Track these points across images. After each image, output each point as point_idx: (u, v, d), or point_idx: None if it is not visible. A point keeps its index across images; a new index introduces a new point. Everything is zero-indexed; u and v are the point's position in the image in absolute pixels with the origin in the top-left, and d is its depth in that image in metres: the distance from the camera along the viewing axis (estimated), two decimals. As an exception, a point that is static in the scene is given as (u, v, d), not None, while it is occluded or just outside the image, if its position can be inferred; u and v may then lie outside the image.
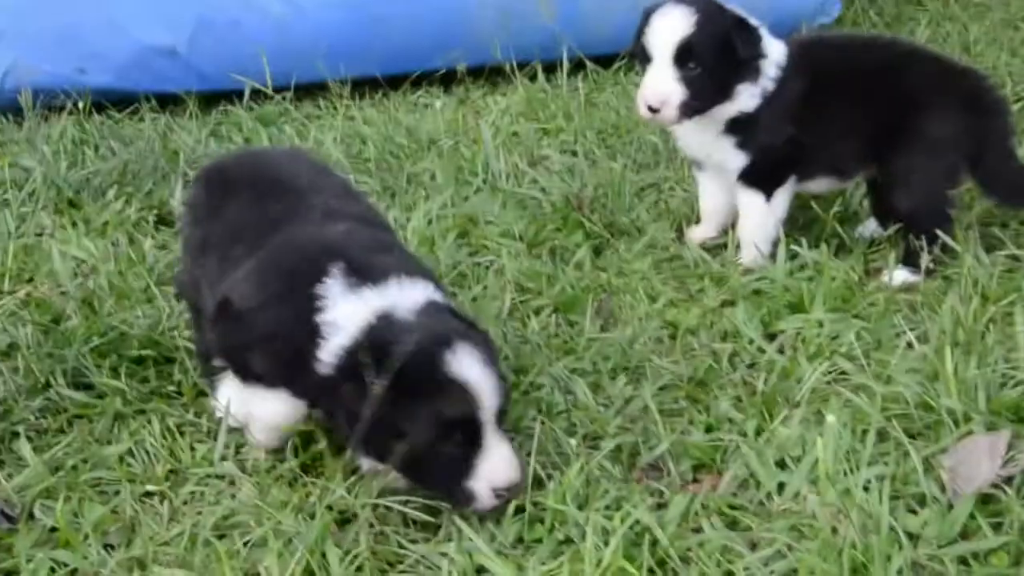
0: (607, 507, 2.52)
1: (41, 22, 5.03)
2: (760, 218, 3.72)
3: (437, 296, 2.63)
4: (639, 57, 3.67)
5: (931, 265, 3.47)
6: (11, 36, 5.00)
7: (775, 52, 3.65)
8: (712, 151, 3.75)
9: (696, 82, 3.54)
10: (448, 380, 2.44)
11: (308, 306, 2.53)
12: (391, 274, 2.59)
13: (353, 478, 2.64)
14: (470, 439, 2.47)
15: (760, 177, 3.70)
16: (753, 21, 3.64)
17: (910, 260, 3.56)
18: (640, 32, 3.62)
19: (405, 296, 2.56)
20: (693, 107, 3.56)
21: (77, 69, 5.00)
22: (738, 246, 3.79)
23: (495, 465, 2.48)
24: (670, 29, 3.54)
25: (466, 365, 2.45)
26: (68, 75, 4.99)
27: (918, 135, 3.61)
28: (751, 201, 3.72)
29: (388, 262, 2.63)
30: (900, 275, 3.56)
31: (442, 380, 2.44)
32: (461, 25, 5.53)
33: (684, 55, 3.53)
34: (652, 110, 3.57)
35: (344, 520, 2.55)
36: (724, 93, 3.60)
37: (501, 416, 2.51)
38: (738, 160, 3.70)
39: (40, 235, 4.01)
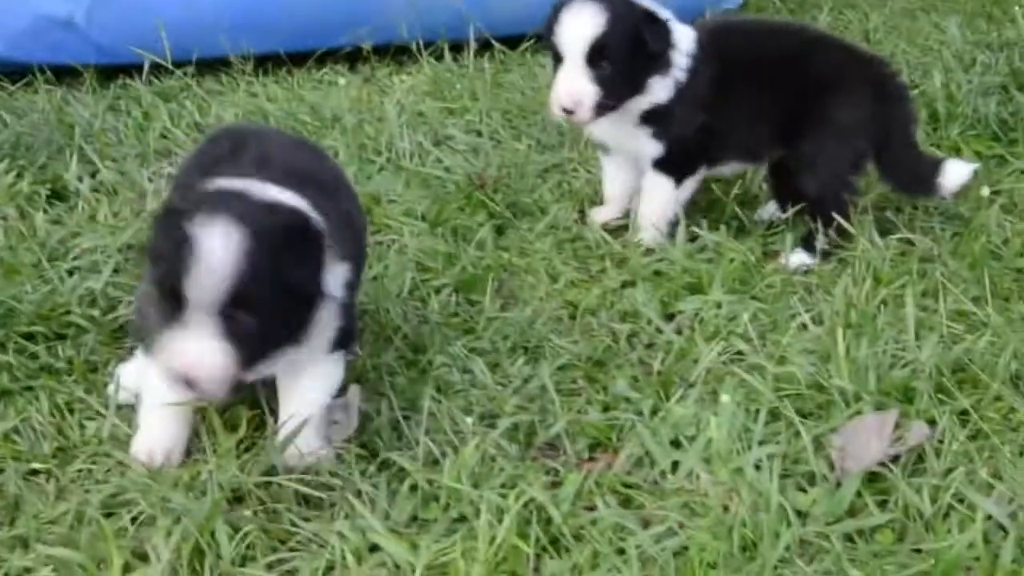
0: (502, 485, 2.52)
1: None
2: (665, 201, 3.74)
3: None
4: (551, 55, 3.62)
5: (827, 248, 3.52)
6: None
7: (684, 41, 3.64)
8: (625, 141, 3.76)
9: (609, 80, 3.51)
10: (181, 238, 2.30)
11: None
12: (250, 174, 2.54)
13: (245, 456, 2.61)
14: (172, 306, 2.32)
15: (673, 164, 3.72)
16: (662, 13, 3.62)
17: (808, 243, 3.61)
18: (549, 30, 3.57)
19: (250, 183, 2.48)
20: (607, 106, 3.54)
21: (-32, 37, 4.86)
22: (632, 227, 3.81)
23: (174, 346, 2.35)
24: (581, 27, 3.49)
25: (204, 233, 2.30)
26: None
27: (826, 121, 3.67)
28: (659, 184, 3.74)
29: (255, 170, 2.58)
30: (797, 258, 3.61)
31: (176, 236, 2.31)
32: (368, 3, 5.47)
33: (596, 54, 3.49)
34: (566, 111, 3.54)
35: (236, 499, 2.52)
36: (637, 88, 3.59)
37: (226, 307, 2.30)
38: (654, 149, 3.71)
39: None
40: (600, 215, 3.95)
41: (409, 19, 5.43)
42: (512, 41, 5.68)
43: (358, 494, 2.53)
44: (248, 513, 2.46)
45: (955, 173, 3.71)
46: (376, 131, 4.61)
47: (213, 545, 2.35)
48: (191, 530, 2.34)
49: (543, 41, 3.63)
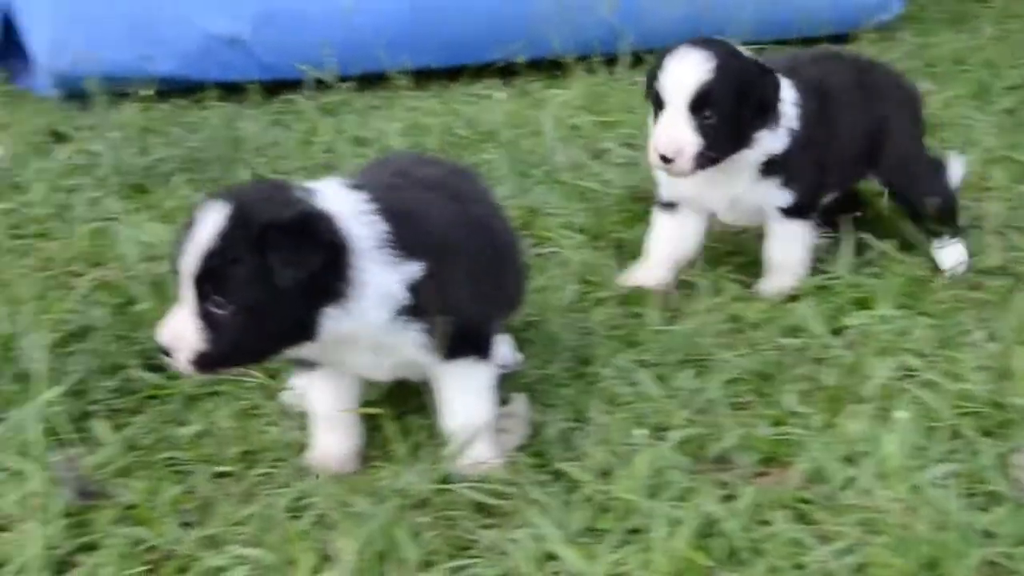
0: (675, 498, 2.53)
1: (111, 9, 5.12)
2: (805, 246, 3.63)
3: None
4: (652, 102, 3.47)
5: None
6: (82, 23, 5.09)
7: (787, 90, 3.53)
8: (745, 195, 3.58)
9: (713, 131, 3.34)
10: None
11: None
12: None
13: (422, 464, 2.67)
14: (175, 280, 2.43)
15: (803, 208, 3.61)
16: (767, 64, 3.51)
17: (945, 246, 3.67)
18: (653, 76, 3.44)
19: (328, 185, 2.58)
20: (709, 158, 3.37)
21: (143, 57, 5.06)
22: (769, 274, 3.66)
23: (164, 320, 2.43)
24: (686, 74, 3.35)
25: (201, 213, 2.40)
26: (134, 63, 5.06)
27: (905, 135, 3.78)
28: (795, 230, 3.62)
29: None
30: (950, 257, 3.62)
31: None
32: (521, 17, 5.55)
33: (701, 103, 3.33)
34: (665, 160, 3.37)
35: (413, 505, 2.57)
36: (742, 141, 3.43)
37: (201, 285, 2.36)
38: (784, 199, 3.58)
39: (109, 220, 4.06)
40: (638, 277, 3.65)
41: (562, 33, 5.50)
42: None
43: (533, 503, 2.56)
44: (427, 519, 2.51)
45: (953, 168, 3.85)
46: (532, 144, 4.67)
47: (395, 549, 2.41)
48: (374, 534, 2.40)
49: (648, 88, 3.48)
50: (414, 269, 2.54)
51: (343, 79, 5.26)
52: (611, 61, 5.52)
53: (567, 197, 4.22)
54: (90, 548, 2.46)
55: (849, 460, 2.67)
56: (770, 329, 3.32)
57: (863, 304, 3.40)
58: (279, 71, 5.23)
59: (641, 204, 4.01)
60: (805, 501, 2.56)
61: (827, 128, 3.59)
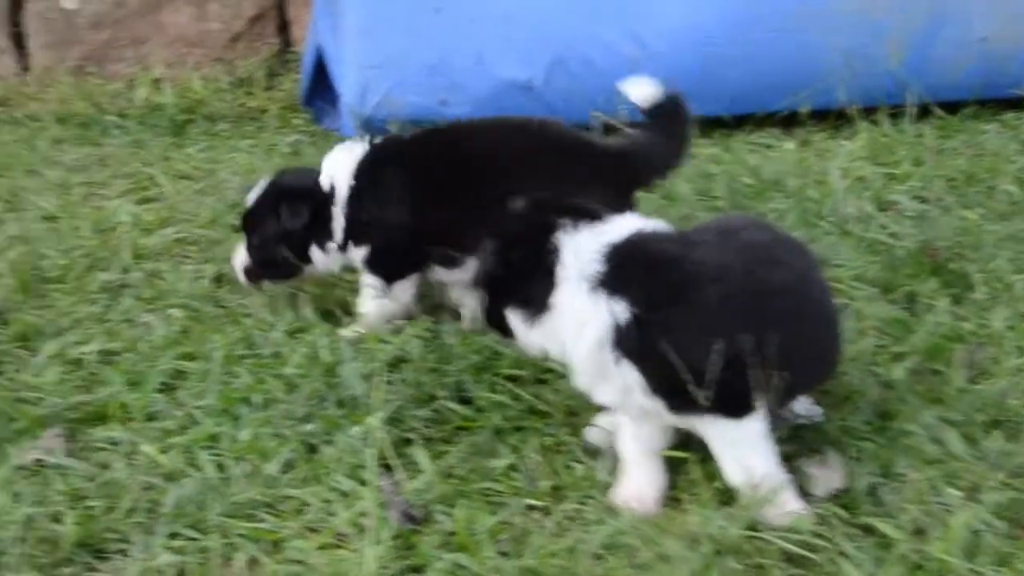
0: (994, 562, 2.50)
1: (415, 56, 5.39)
2: None
3: None
4: None
5: None
6: (389, 68, 5.38)
7: None
8: None
9: None
10: None
11: None
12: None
13: (729, 507, 2.70)
14: None
15: None
16: None
17: None
18: None
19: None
20: None
21: (440, 101, 5.29)
22: None
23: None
24: None
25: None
26: (432, 106, 5.31)
27: None
28: None
29: None
30: None
31: None
32: (808, 69, 5.53)
33: None
34: None
35: (717, 552, 2.61)
36: None
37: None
38: None
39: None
40: None
41: (848, 84, 5.46)
42: (951, 106, 5.59)
43: (843, 556, 2.57)
44: (738, 566, 2.55)
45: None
46: (818, 195, 4.65)
47: (709, 594, 2.45)
48: (688, 577, 2.46)
49: None
50: (619, 309, 2.63)
51: (631, 125, 5.36)
52: (896, 113, 5.44)
53: (856, 249, 4.18)
54: (416, 570, 2.61)
55: None
56: (1084, 393, 3.22)
57: None
58: (569, 116, 5.34)
59: (934, 260, 3.95)
60: None
61: None
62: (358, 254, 3.74)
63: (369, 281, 3.75)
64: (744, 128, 5.58)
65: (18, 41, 7.41)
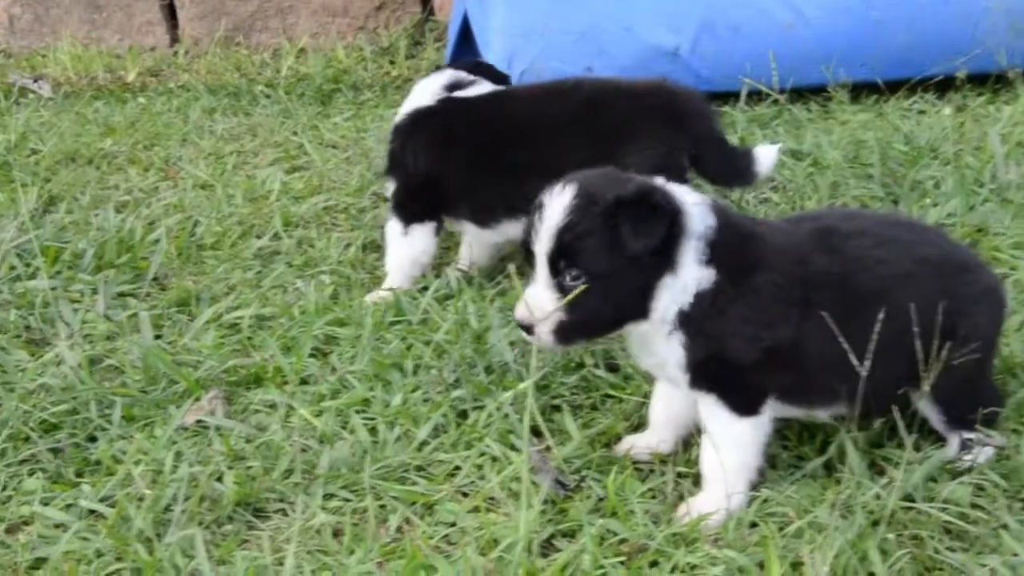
0: None
1: (561, 23, 5.38)
2: None
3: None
4: None
5: None
6: (536, 35, 5.37)
7: None
8: None
9: None
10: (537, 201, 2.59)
11: None
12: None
13: (883, 479, 2.65)
14: (529, 263, 2.60)
15: None
16: None
17: None
18: None
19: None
20: None
21: (585, 67, 5.27)
22: None
23: (525, 295, 2.59)
24: None
25: (549, 196, 2.55)
26: (578, 73, 5.27)
27: None
28: None
29: None
30: None
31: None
32: (965, 31, 5.37)
33: None
34: None
35: (874, 522, 2.55)
36: None
37: (555, 259, 2.53)
38: None
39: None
40: None
41: (1010, 47, 5.28)
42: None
43: (1004, 528, 2.50)
44: (892, 537, 2.49)
45: (766, 156, 3.79)
46: (976, 161, 4.51)
47: (865, 564, 2.41)
48: (844, 548, 2.41)
49: None
50: (707, 276, 2.57)
51: (780, 91, 5.27)
52: (1059, 76, 5.26)
53: (1018, 216, 4.05)
54: (568, 535, 2.62)
55: None
56: None
57: None
58: (715, 83, 5.30)
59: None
60: None
61: None
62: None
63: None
64: (897, 94, 5.43)
65: (170, 13, 7.61)
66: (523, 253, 2.62)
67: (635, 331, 2.63)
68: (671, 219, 2.53)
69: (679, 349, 2.61)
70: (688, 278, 2.57)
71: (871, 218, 3.06)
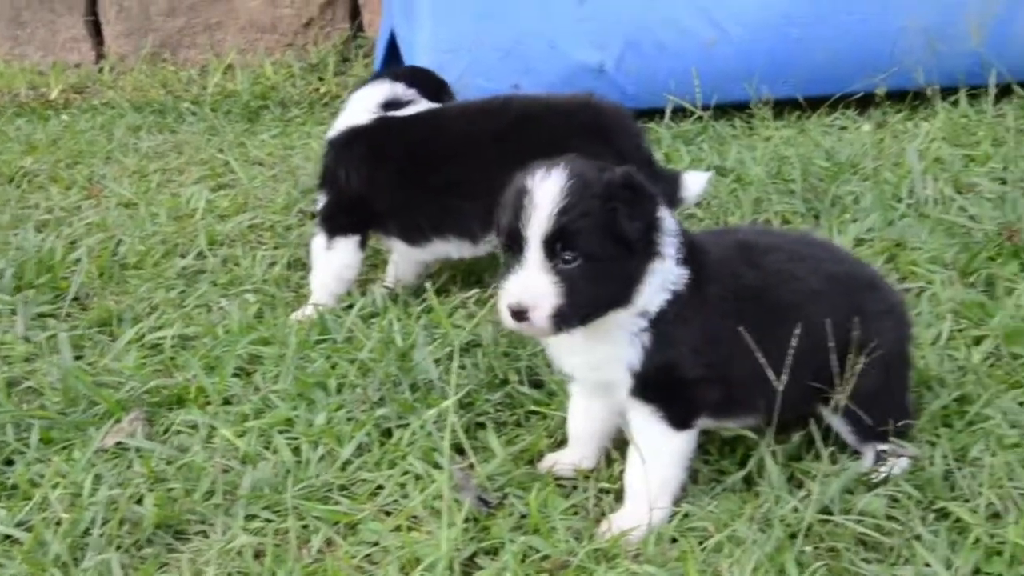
0: (1073, 547, 2.45)
1: (488, 40, 5.41)
2: None
3: None
4: None
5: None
6: (463, 51, 5.39)
7: None
8: None
9: None
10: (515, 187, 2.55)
11: None
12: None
13: (801, 492, 2.68)
14: (513, 249, 2.53)
15: None
16: None
17: None
18: None
19: None
20: None
21: (512, 85, 5.29)
22: None
23: (511, 283, 2.51)
24: None
25: (536, 180, 2.51)
26: (504, 90, 5.28)
27: None
28: None
29: None
30: None
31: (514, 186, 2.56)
32: (883, 49, 5.47)
33: None
34: None
35: (791, 535, 2.58)
36: None
37: (552, 242, 2.48)
38: None
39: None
40: None
41: (927, 65, 5.38)
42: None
43: (917, 540, 2.54)
44: (809, 549, 2.53)
45: (694, 183, 3.94)
46: (896, 177, 4.59)
47: (782, 577, 2.44)
48: (762, 561, 2.44)
49: None
50: (682, 276, 2.62)
51: (703, 108, 5.34)
52: (976, 94, 5.35)
53: (934, 232, 4.12)
54: (490, 553, 2.63)
55: None
56: None
57: None
58: (640, 100, 5.35)
59: (1012, 243, 3.88)
60: None
61: None
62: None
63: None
64: (818, 111, 5.51)
65: (95, 29, 7.54)
66: (506, 240, 2.56)
67: (600, 325, 2.61)
68: (656, 204, 2.58)
69: (639, 352, 2.62)
70: (669, 271, 2.61)
71: (781, 235, 3.13)
